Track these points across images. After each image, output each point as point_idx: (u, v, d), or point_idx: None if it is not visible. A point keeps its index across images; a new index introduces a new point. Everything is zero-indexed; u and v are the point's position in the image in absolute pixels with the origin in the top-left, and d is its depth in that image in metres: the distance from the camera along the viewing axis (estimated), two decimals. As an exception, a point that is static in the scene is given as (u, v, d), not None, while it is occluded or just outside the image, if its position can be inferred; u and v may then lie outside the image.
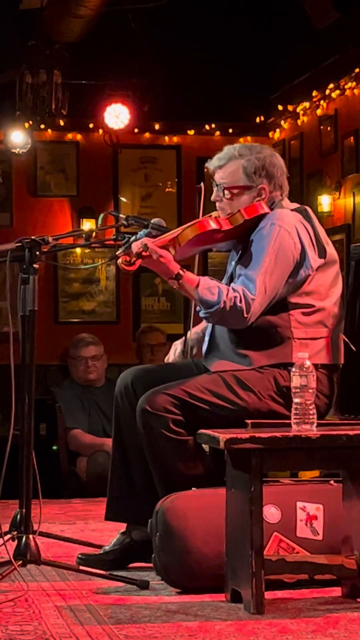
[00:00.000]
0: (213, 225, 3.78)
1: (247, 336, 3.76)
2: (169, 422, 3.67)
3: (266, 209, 3.83)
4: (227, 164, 3.90)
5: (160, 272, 3.74)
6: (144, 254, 3.68)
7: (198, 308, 3.78)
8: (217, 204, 3.91)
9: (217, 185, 3.90)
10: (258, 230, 3.79)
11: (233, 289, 3.68)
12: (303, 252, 3.75)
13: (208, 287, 3.70)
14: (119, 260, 3.72)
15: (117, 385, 3.95)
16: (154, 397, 3.69)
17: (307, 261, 3.75)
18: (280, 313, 3.75)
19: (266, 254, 3.71)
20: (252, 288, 3.67)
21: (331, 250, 3.85)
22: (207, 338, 3.92)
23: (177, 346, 4.09)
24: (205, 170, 4.00)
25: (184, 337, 4.06)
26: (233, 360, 3.79)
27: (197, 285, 3.71)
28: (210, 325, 3.91)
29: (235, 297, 3.65)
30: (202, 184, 3.99)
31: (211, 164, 3.95)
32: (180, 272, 3.71)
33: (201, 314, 3.75)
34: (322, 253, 3.80)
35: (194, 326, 4.10)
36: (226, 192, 3.89)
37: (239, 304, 3.65)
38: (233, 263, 3.91)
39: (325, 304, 3.80)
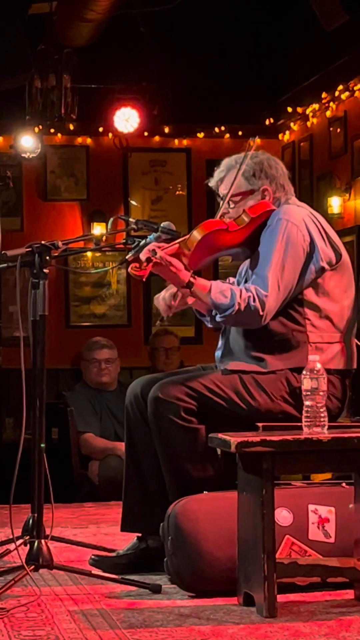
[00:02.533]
0: (219, 225, 3.78)
1: (263, 340, 3.76)
2: (179, 410, 3.65)
3: (271, 206, 3.83)
4: (227, 174, 3.92)
5: (171, 281, 3.75)
6: (154, 259, 3.68)
7: (214, 313, 3.78)
8: (225, 216, 3.90)
9: (222, 199, 3.91)
10: (266, 228, 3.80)
11: (246, 288, 3.68)
12: (312, 244, 3.75)
13: (221, 291, 3.70)
14: (130, 268, 3.72)
15: (127, 395, 3.95)
16: (167, 386, 3.69)
17: (318, 253, 3.75)
18: (296, 317, 3.75)
19: (275, 249, 3.71)
20: (265, 285, 3.67)
21: (345, 254, 3.85)
22: (221, 342, 3.91)
23: (170, 287, 3.95)
24: (206, 182, 4.00)
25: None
26: (248, 363, 3.78)
27: (210, 291, 3.70)
28: (224, 329, 3.90)
29: (249, 296, 3.65)
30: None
31: (212, 181, 3.96)
32: (191, 279, 3.71)
33: (217, 319, 3.75)
34: (335, 251, 3.79)
35: None
36: (230, 202, 3.89)
37: (252, 303, 3.65)
38: (245, 266, 3.91)
39: (339, 307, 3.80)
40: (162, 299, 3.95)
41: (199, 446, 3.69)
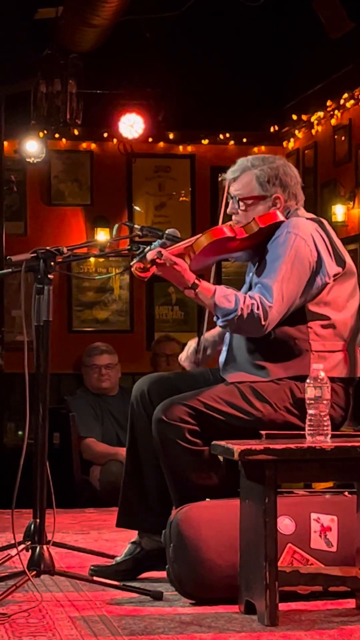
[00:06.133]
0: (228, 233, 3.79)
1: (265, 348, 3.76)
2: (184, 432, 3.67)
3: (281, 217, 3.83)
4: (240, 175, 3.91)
5: (176, 281, 3.74)
6: (158, 261, 3.68)
7: (215, 317, 3.78)
8: (233, 216, 3.91)
9: (232, 198, 3.91)
10: (274, 239, 3.79)
11: (250, 296, 3.68)
12: (319, 259, 3.75)
13: (225, 295, 3.70)
14: (133, 267, 3.73)
15: (132, 392, 3.96)
16: (170, 407, 3.70)
17: (324, 269, 3.75)
18: (298, 325, 3.75)
19: (282, 262, 3.72)
20: (269, 295, 3.67)
21: (350, 262, 3.85)
22: (224, 349, 3.92)
23: (190, 345, 4.07)
24: (220, 178, 4.01)
25: (197, 337, 4.04)
26: (250, 372, 3.78)
27: (214, 294, 3.71)
28: (228, 336, 3.91)
29: (253, 304, 3.65)
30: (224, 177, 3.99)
31: (225, 177, 3.95)
32: (196, 281, 3.72)
33: (219, 323, 3.75)
34: (340, 262, 3.80)
35: (208, 331, 4.10)
36: (241, 203, 3.89)
37: (256, 311, 3.65)
38: (251, 274, 3.92)
39: (342, 316, 3.80)
40: (185, 359, 4.05)
41: (203, 464, 3.70)
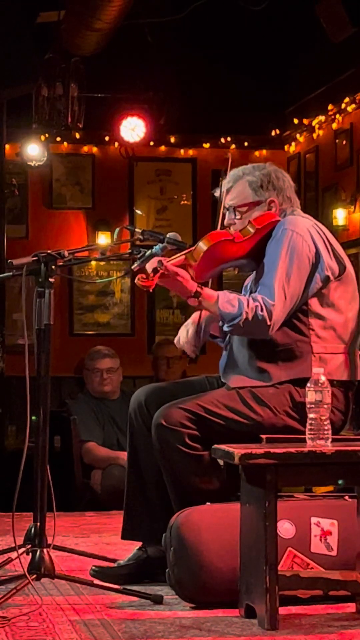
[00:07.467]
0: (225, 236, 3.78)
1: (266, 351, 3.77)
2: (184, 437, 3.67)
3: (277, 217, 3.83)
4: (233, 185, 3.92)
5: (178, 291, 3.76)
6: (159, 269, 3.68)
7: (221, 322, 3.78)
8: (231, 228, 3.90)
9: (228, 210, 3.91)
10: (271, 238, 3.80)
11: (253, 298, 3.69)
12: (317, 254, 3.76)
13: (228, 301, 3.70)
14: (137, 279, 3.72)
15: (130, 404, 3.95)
16: (170, 412, 3.70)
17: (323, 263, 3.76)
18: (300, 327, 3.76)
19: (281, 259, 3.72)
20: (271, 295, 3.67)
21: (349, 267, 3.86)
22: (224, 353, 3.92)
23: (188, 326, 3.97)
24: (215, 193, 4.00)
25: (198, 316, 3.92)
26: (251, 376, 3.79)
27: (217, 300, 3.71)
28: (228, 340, 3.91)
29: (257, 306, 3.66)
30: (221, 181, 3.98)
31: (218, 192, 3.96)
32: (198, 289, 3.72)
33: (225, 328, 3.75)
34: (339, 263, 3.80)
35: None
36: (237, 212, 3.89)
37: (260, 312, 3.65)
38: (251, 277, 3.92)
39: (343, 318, 3.81)
40: (186, 343, 3.94)
41: (203, 469, 3.70)
